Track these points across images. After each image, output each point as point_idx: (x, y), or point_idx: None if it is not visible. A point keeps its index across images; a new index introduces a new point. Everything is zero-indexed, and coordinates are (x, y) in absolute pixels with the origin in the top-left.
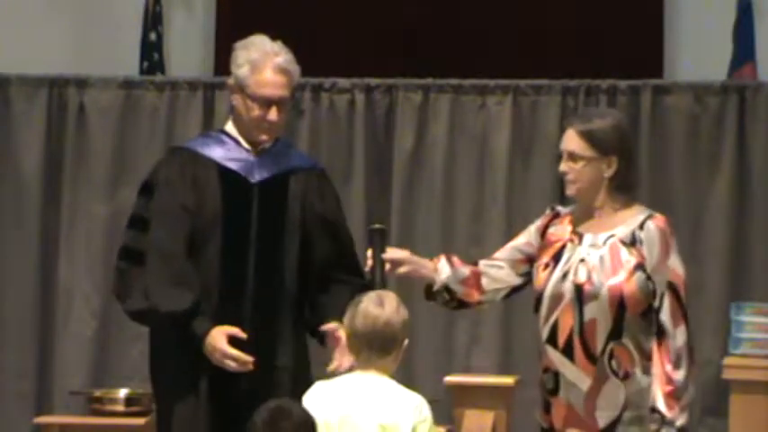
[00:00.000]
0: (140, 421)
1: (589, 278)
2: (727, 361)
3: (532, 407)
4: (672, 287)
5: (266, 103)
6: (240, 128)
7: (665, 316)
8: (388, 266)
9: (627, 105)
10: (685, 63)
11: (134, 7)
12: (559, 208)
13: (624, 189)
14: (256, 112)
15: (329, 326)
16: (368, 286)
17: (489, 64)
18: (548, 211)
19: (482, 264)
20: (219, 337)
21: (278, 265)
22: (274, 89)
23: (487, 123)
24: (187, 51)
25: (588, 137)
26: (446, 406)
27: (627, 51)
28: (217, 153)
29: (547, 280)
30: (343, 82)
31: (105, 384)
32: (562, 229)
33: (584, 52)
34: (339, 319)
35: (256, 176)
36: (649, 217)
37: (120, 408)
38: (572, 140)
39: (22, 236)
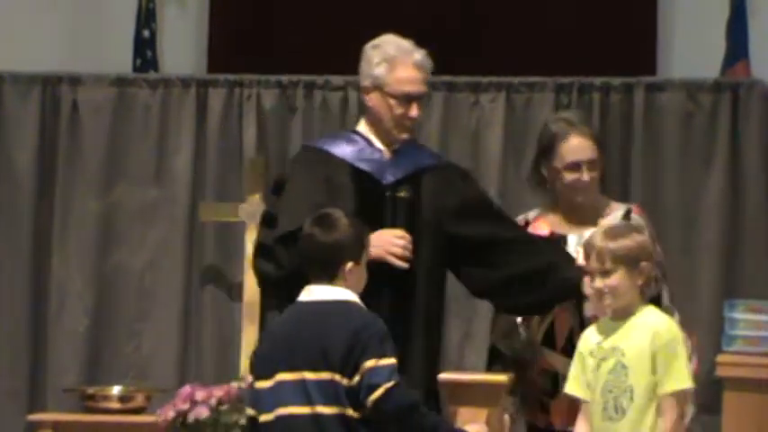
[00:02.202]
0: (134, 418)
1: None
2: (721, 358)
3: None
4: (663, 271)
5: (407, 99)
6: (376, 128)
7: (666, 300)
8: None
9: (620, 102)
10: (678, 60)
11: (127, 4)
12: (529, 215)
13: (602, 183)
14: (398, 109)
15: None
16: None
17: (482, 61)
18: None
19: None
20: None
21: (411, 266)
22: (415, 85)
23: (481, 121)
24: (180, 48)
25: (598, 142)
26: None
27: (620, 48)
28: (349, 153)
29: None
30: (336, 79)
31: (99, 381)
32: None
33: (577, 49)
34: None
35: (389, 177)
36: (630, 209)
37: (114, 405)
38: (590, 149)
39: (15, 233)
